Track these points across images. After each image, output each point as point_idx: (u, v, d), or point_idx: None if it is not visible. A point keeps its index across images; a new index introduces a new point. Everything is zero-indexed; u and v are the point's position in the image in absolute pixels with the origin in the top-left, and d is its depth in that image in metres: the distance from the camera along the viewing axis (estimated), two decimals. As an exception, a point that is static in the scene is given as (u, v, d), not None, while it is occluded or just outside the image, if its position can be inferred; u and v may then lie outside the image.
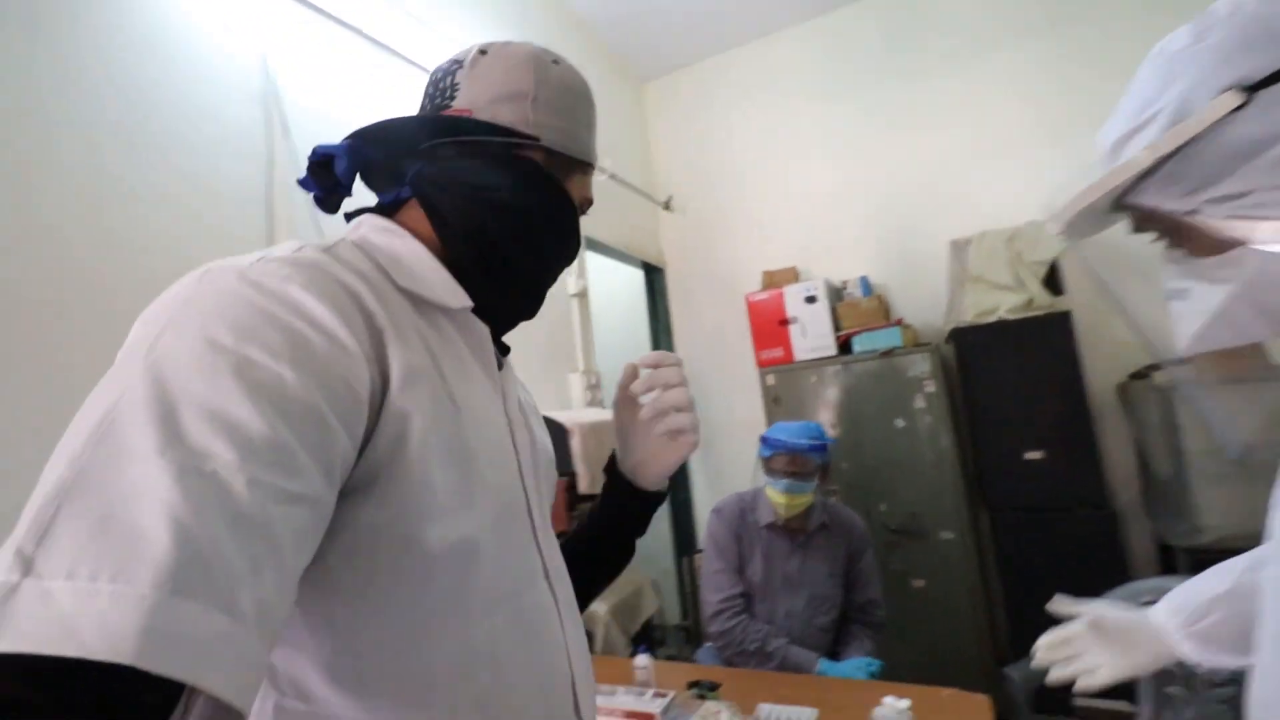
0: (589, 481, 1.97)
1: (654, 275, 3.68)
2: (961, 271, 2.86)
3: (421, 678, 0.44)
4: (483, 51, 0.58)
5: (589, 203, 0.63)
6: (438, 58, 2.10)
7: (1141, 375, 2.49)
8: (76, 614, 0.26)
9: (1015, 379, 2.56)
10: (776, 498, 1.79)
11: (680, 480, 3.56)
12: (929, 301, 3.01)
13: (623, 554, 0.74)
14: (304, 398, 0.36)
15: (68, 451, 0.31)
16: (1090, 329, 2.61)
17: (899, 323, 2.75)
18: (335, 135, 1.89)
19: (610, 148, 3.05)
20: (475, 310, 0.55)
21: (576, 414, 2.16)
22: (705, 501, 3.52)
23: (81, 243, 1.22)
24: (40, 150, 1.18)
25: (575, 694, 0.54)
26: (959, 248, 2.89)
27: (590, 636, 2.02)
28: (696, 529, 3.54)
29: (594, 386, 2.66)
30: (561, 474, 2.03)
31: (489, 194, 0.55)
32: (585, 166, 0.61)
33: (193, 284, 0.39)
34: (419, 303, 0.50)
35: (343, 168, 0.55)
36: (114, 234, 1.27)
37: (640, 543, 0.76)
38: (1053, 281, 2.70)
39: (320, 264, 0.43)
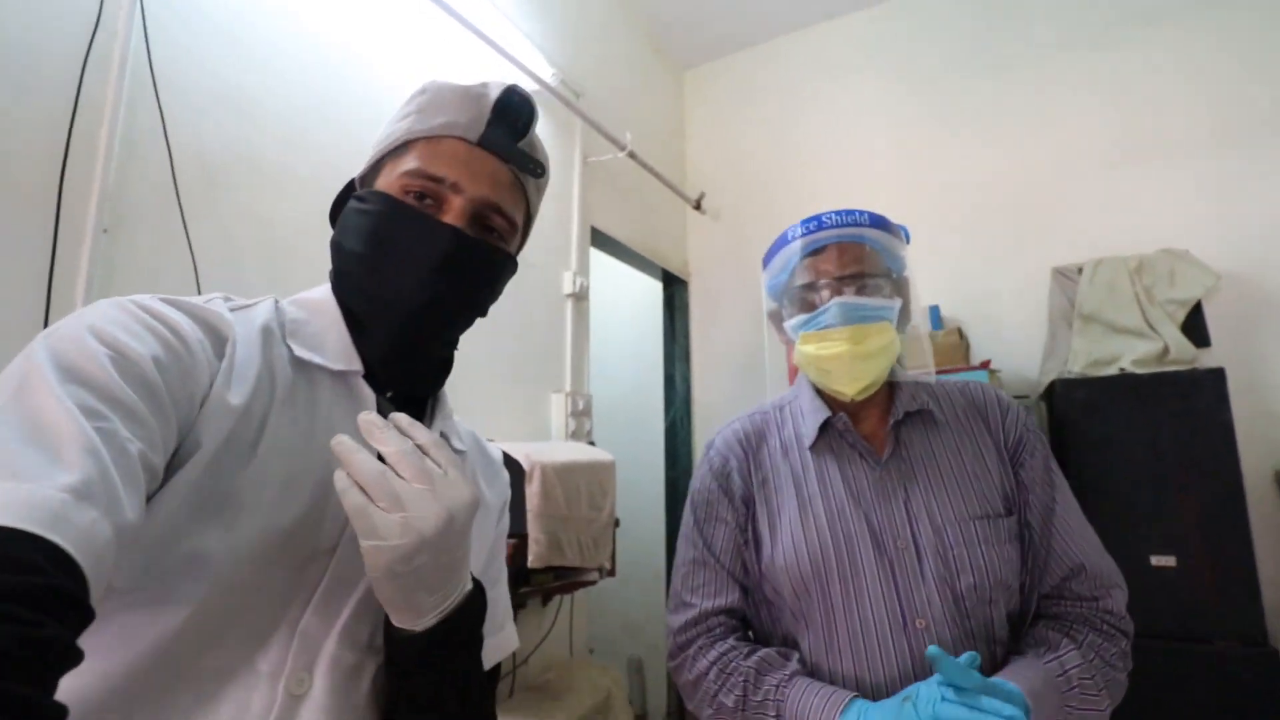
0: (545, 548, 1.34)
1: (675, 288, 3.09)
2: (1067, 308, 2.23)
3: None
4: None
5: (418, 175, 0.58)
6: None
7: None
8: (8, 500, 0.33)
9: (1140, 453, 1.90)
10: (822, 352, 0.84)
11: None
12: (1020, 344, 2.36)
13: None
14: (152, 378, 0.44)
15: None
16: (1245, 392, 1.94)
17: (986, 366, 2.10)
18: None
19: (637, 135, 2.49)
20: (388, 371, 0.60)
21: (544, 449, 1.54)
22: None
23: None
24: None
25: None
26: (1064, 278, 2.27)
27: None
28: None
29: (581, 413, 2.05)
30: (512, 535, 1.40)
31: (334, 245, 0.61)
32: (393, 152, 0.61)
33: (89, 306, 0.48)
34: (302, 364, 0.55)
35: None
36: None
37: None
38: (1194, 328, 2.06)
39: (201, 305, 0.51)
